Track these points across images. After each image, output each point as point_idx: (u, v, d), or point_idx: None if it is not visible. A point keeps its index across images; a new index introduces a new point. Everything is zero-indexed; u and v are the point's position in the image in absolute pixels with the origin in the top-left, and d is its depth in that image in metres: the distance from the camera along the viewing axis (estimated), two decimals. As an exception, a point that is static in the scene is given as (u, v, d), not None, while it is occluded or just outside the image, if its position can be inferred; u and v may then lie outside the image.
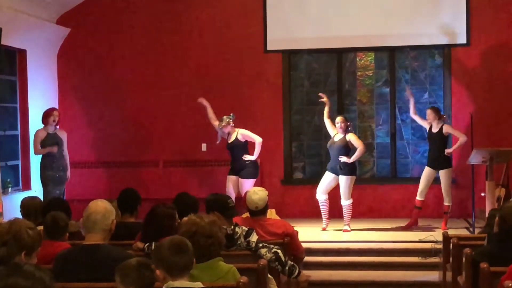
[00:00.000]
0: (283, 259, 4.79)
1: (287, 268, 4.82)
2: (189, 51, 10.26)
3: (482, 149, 8.05)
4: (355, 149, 8.63)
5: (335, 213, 8.96)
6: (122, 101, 10.39)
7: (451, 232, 6.91)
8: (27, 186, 9.69)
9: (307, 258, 6.67)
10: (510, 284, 3.59)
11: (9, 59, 9.52)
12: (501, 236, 4.44)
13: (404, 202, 9.70)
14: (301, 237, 5.89)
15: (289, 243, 5.38)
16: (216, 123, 8.78)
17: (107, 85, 10.42)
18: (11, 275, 2.01)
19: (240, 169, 8.64)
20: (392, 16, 9.83)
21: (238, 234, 4.79)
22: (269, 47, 10.08)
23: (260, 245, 4.79)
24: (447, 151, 8.63)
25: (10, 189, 9.15)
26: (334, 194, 8.84)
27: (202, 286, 3.28)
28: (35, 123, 9.23)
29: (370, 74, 10.25)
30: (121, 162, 10.33)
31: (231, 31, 10.16)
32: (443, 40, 9.75)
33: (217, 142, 8.86)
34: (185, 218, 4.10)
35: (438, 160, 8.66)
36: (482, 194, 8.16)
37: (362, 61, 10.29)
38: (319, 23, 9.92)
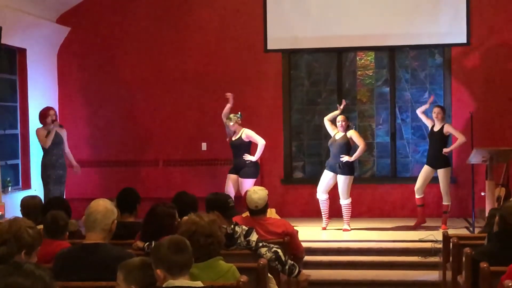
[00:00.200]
0: (283, 258, 4.78)
1: (287, 267, 4.81)
2: (189, 51, 10.25)
3: (482, 149, 8.06)
4: (356, 146, 8.63)
5: (335, 212, 8.96)
6: (122, 100, 10.39)
7: (451, 231, 6.91)
8: (27, 185, 9.70)
9: (307, 258, 6.66)
10: (510, 284, 3.59)
11: (9, 58, 9.52)
12: (501, 235, 4.44)
13: (404, 201, 9.71)
14: (301, 236, 5.88)
15: (289, 242, 5.37)
16: (225, 120, 8.83)
17: (107, 84, 10.42)
18: (11, 274, 2.00)
19: (241, 168, 8.67)
20: (392, 16, 9.82)
21: (238, 233, 4.79)
22: (269, 47, 10.08)
23: (260, 244, 4.79)
24: (445, 150, 8.64)
25: (10, 188, 9.16)
26: (334, 194, 8.84)
27: (202, 285, 3.28)
28: (35, 122, 9.21)
29: (370, 74, 10.25)
30: (121, 161, 10.34)
31: (231, 30, 10.16)
32: (443, 40, 9.75)
33: (227, 139, 8.89)
34: (185, 217, 4.10)
35: (437, 159, 8.67)
36: (482, 194, 8.17)
37: (362, 61, 10.28)
38: (319, 23, 9.92)
